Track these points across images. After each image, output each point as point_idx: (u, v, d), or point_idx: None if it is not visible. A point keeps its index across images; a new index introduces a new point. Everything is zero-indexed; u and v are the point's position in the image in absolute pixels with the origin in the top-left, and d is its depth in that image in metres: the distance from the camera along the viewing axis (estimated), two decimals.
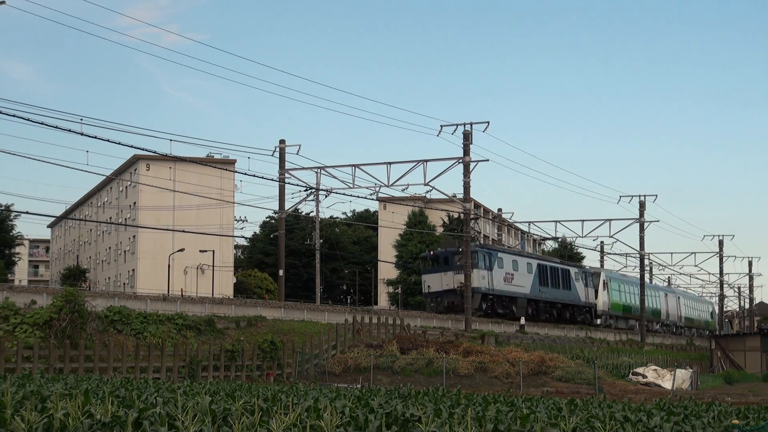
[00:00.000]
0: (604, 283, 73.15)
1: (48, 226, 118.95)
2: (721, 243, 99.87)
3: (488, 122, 53.01)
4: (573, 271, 69.39)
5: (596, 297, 71.24)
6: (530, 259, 64.34)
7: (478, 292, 55.81)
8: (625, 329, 75.06)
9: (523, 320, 61.02)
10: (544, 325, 64.33)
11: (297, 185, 56.80)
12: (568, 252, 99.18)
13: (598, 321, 71.57)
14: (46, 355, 30.54)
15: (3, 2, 33.53)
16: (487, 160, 55.58)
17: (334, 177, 55.70)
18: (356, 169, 54.26)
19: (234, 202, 72.57)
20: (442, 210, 77.97)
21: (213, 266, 72.63)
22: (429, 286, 58.08)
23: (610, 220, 74.28)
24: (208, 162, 66.82)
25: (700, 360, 72.13)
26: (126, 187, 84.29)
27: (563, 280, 67.10)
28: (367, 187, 54.59)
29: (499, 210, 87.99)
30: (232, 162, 73.12)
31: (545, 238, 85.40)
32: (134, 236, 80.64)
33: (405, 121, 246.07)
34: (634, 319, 77.83)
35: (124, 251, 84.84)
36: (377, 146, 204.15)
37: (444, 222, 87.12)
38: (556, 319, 65.52)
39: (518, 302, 60.35)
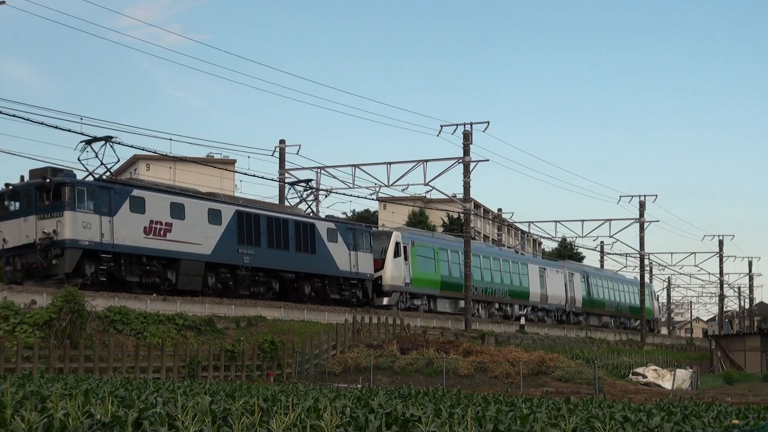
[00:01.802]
0: (398, 247, 51.18)
1: None
2: (721, 243, 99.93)
3: (488, 122, 53.08)
4: (323, 226, 47.16)
5: (383, 267, 50.08)
6: (219, 204, 42.45)
7: (75, 247, 35.61)
8: (452, 313, 54.89)
9: (523, 320, 61.01)
10: (544, 325, 64.33)
11: (297, 185, 56.79)
12: (568, 252, 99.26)
13: (386, 300, 50.21)
14: (46, 355, 30.52)
15: (3, 2, 33.54)
16: (487, 160, 55.62)
17: (334, 177, 55.78)
18: (356, 169, 54.32)
19: None
20: (442, 210, 78.02)
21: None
22: (5, 240, 37.09)
23: (610, 220, 74.44)
24: (208, 162, 66.80)
25: (700, 360, 72.16)
26: None
27: (299, 239, 45.08)
28: (367, 187, 54.64)
29: (499, 210, 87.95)
30: (232, 162, 73.18)
31: (545, 238, 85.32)
32: None
33: (405, 121, 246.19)
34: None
35: None
36: (377, 146, 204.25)
37: (444, 222, 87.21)
38: (282, 294, 44.76)
39: (182, 267, 39.73)
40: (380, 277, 50.27)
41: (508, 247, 78.67)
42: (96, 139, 38.30)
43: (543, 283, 66.12)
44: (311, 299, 46.17)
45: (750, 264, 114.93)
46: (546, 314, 66.71)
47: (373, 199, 63.65)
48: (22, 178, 37.67)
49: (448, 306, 55.69)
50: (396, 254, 51.14)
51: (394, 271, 50.87)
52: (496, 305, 61.34)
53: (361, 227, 51.34)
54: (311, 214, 48.93)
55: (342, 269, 47.85)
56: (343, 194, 69.46)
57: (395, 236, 51.74)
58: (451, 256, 56.03)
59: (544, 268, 66.96)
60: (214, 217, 41.62)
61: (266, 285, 44.21)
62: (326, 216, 50.17)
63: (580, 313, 71.79)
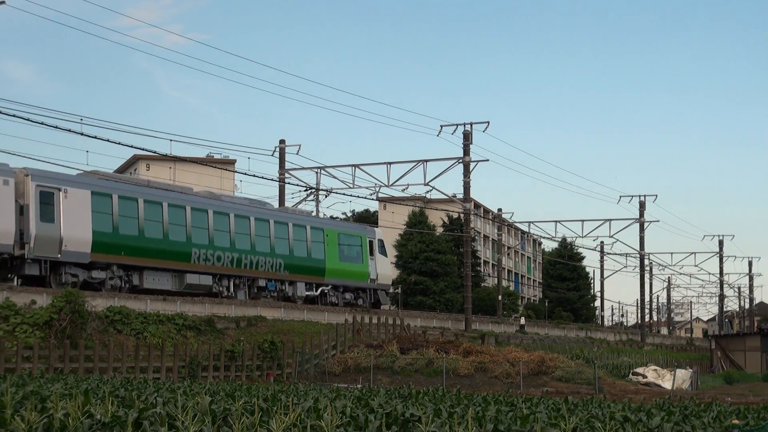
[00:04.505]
0: None
1: None
2: (721, 243, 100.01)
3: (488, 122, 53.20)
4: None
5: None
6: None
7: None
8: None
9: (522, 320, 61.08)
10: (544, 325, 64.42)
11: (297, 185, 56.81)
12: (568, 252, 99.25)
13: None
14: (46, 355, 30.54)
15: (3, 2, 33.52)
16: (487, 160, 55.68)
17: (334, 177, 55.83)
18: (356, 169, 54.37)
19: None
20: (442, 210, 78.01)
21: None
22: None
23: (610, 220, 74.50)
24: (208, 162, 66.81)
25: (700, 360, 72.19)
26: None
27: None
28: (367, 187, 54.62)
29: (499, 210, 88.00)
30: (232, 162, 73.18)
31: (545, 238, 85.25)
32: None
33: (405, 121, 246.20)
34: None
35: None
36: (377, 146, 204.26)
37: (444, 222, 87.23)
38: None
39: None
40: None
41: None
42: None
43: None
44: None
45: (750, 264, 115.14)
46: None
47: (373, 199, 63.70)
48: None
49: None
50: None
51: None
52: None
53: None
54: None
55: None
56: (343, 194, 69.33)
57: None
58: None
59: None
60: None
61: None
62: None
63: (81, 263, 36.64)
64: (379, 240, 52.36)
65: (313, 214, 55.97)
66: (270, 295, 44.79)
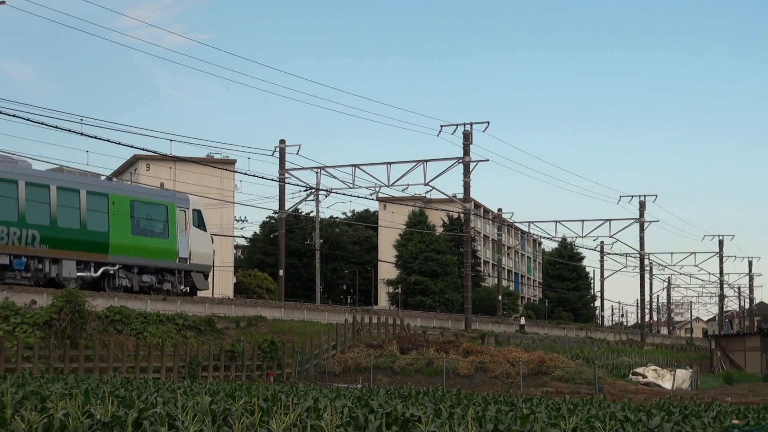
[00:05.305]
0: None
1: None
2: (721, 243, 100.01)
3: (488, 122, 53.27)
4: None
5: None
6: None
7: None
8: None
9: (523, 320, 61.09)
10: (544, 325, 64.45)
11: (297, 185, 56.80)
12: (568, 252, 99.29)
13: None
14: (46, 355, 30.54)
15: (3, 2, 33.53)
16: (487, 160, 55.73)
17: (334, 177, 55.87)
18: (356, 169, 54.38)
19: (234, 202, 72.61)
20: (442, 210, 78.02)
21: (213, 266, 72.22)
22: None
23: (610, 220, 74.52)
24: (208, 162, 66.79)
25: (700, 360, 72.19)
26: None
27: None
28: (367, 187, 54.66)
29: (499, 210, 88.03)
30: (232, 162, 73.13)
31: (545, 238, 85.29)
32: None
33: (405, 121, 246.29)
34: None
35: None
36: (377, 146, 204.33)
37: (444, 222, 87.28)
38: None
39: None
40: None
41: None
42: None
43: None
44: None
45: (750, 264, 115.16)
46: None
47: (373, 199, 63.73)
48: None
49: None
50: None
51: None
52: None
53: None
54: None
55: None
56: (343, 194, 69.44)
57: None
58: None
59: None
60: None
61: None
62: None
63: None
64: (195, 211, 42.04)
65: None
66: (20, 276, 34.59)
